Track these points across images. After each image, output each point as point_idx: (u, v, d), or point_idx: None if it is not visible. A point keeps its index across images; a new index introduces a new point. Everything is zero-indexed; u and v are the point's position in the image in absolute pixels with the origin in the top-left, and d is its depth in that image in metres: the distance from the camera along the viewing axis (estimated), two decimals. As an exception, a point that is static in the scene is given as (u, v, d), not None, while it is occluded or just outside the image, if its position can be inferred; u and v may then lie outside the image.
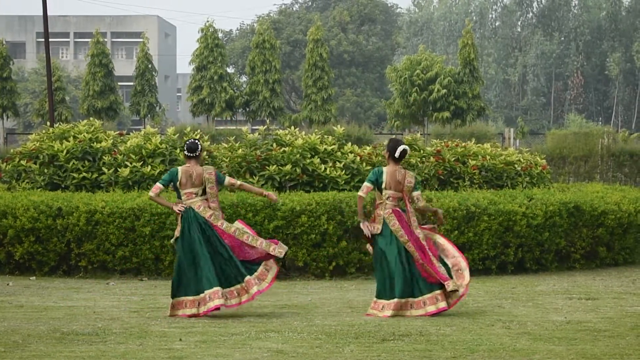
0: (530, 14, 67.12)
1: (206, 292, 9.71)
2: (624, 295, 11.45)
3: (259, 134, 15.10)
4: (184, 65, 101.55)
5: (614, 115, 62.34)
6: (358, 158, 14.65)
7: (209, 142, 15.08)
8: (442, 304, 9.85)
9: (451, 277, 9.90)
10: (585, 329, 8.93)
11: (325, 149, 14.66)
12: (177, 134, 15.13)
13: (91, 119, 15.91)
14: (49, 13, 27.78)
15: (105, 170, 14.28)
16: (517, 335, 8.61)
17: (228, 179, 10.22)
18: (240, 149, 14.62)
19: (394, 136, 18.36)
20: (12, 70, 36.89)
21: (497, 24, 67.66)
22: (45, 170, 14.52)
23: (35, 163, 14.67)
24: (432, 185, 14.77)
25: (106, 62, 37.95)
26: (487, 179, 15.26)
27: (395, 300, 9.82)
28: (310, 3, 70.83)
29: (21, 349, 7.88)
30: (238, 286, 9.82)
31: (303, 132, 15.30)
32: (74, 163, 14.44)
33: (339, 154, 14.75)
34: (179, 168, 9.99)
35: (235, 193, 13.48)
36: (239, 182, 10.37)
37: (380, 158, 14.73)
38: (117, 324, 9.20)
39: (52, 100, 27.89)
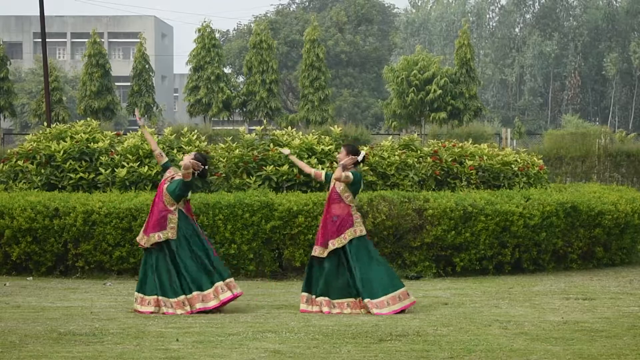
0: (529, 14, 67.16)
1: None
2: (621, 296, 11.45)
3: (256, 134, 15.09)
4: (181, 66, 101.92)
5: (611, 115, 62.40)
6: (355, 158, 14.62)
7: (205, 143, 15.07)
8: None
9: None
10: (582, 329, 8.94)
11: (322, 150, 14.66)
12: (174, 135, 15.11)
13: (88, 119, 15.89)
14: (46, 13, 27.75)
15: (102, 170, 14.27)
16: (514, 336, 8.61)
17: None
18: (238, 150, 14.61)
19: (390, 137, 18.36)
20: (9, 70, 36.83)
21: (493, 24, 67.67)
22: (42, 171, 14.51)
23: (32, 163, 14.64)
24: (429, 186, 14.76)
25: (103, 63, 37.89)
26: (484, 179, 15.26)
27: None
28: (307, 3, 70.74)
29: (18, 350, 7.87)
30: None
31: (300, 133, 15.29)
32: (70, 163, 14.42)
33: (336, 154, 14.72)
34: None
35: (232, 193, 13.48)
36: None
37: (377, 159, 14.73)
38: (114, 324, 9.20)
39: (49, 100, 27.85)
